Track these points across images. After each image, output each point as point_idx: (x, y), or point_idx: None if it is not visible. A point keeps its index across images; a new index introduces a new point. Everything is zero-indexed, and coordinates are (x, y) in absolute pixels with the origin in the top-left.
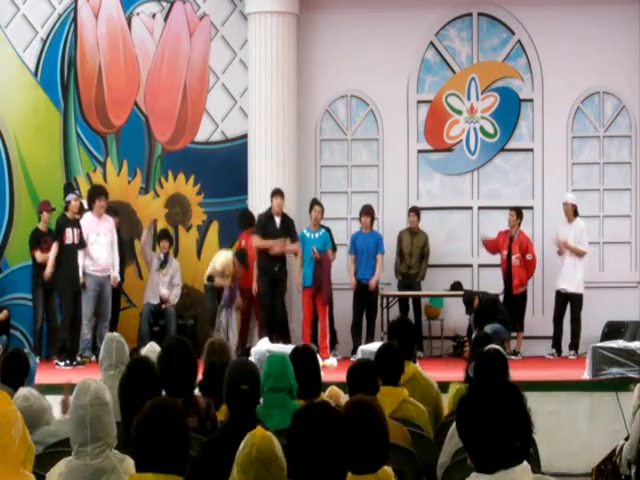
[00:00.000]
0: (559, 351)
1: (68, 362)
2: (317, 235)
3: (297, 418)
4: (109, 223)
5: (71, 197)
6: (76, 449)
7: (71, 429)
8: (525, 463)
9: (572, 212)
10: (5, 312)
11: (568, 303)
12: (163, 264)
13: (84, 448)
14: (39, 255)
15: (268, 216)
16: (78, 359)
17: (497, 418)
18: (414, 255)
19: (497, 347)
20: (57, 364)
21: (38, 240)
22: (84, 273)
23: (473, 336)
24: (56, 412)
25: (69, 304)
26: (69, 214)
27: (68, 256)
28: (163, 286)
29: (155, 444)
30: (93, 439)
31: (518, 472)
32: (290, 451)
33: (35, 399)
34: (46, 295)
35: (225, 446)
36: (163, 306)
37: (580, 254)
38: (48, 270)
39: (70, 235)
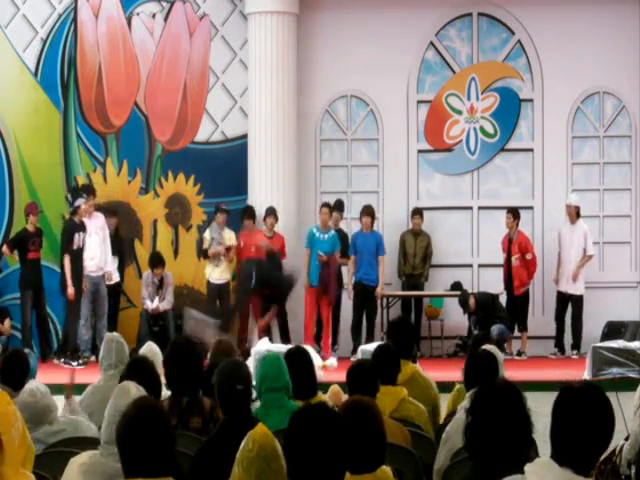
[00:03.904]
0: (562, 350)
1: (80, 362)
2: (326, 236)
3: (294, 419)
4: (99, 220)
5: (80, 202)
6: (103, 445)
7: (104, 425)
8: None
9: (575, 214)
10: (8, 321)
11: (569, 303)
12: (158, 289)
13: (110, 447)
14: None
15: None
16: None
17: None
18: (418, 256)
19: (490, 348)
20: (69, 364)
21: (24, 240)
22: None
23: (472, 336)
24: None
25: (77, 305)
26: (76, 218)
27: (75, 260)
28: (156, 302)
29: (139, 446)
30: None
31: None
32: (287, 452)
33: (42, 396)
34: (36, 296)
35: (223, 446)
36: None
37: (589, 259)
38: (70, 290)
39: (77, 240)
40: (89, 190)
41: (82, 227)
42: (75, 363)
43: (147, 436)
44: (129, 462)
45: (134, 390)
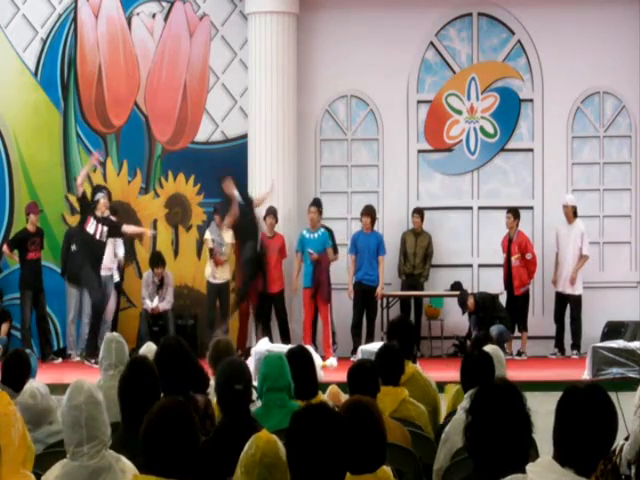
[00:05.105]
0: (562, 350)
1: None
2: (315, 235)
3: (295, 419)
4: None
5: (99, 196)
6: (72, 450)
7: (66, 430)
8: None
9: (572, 213)
10: (5, 325)
11: (567, 304)
12: (158, 289)
13: (80, 448)
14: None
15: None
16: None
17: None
18: (418, 255)
19: (492, 348)
20: (88, 361)
21: (24, 240)
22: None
23: (473, 336)
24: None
25: (99, 295)
26: (98, 213)
27: (94, 249)
28: (156, 301)
29: (162, 446)
30: (89, 439)
31: None
32: (289, 452)
33: (42, 398)
34: (35, 296)
35: (222, 446)
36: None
37: (585, 260)
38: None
39: (95, 227)
40: (107, 190)
41: (103, 220)
42: (92, 362)
43: (169, 436)
44: (148, 459)
45: (87, 384)
